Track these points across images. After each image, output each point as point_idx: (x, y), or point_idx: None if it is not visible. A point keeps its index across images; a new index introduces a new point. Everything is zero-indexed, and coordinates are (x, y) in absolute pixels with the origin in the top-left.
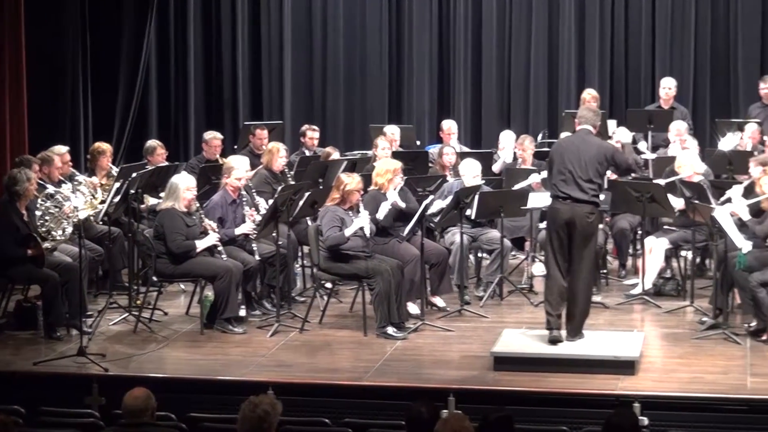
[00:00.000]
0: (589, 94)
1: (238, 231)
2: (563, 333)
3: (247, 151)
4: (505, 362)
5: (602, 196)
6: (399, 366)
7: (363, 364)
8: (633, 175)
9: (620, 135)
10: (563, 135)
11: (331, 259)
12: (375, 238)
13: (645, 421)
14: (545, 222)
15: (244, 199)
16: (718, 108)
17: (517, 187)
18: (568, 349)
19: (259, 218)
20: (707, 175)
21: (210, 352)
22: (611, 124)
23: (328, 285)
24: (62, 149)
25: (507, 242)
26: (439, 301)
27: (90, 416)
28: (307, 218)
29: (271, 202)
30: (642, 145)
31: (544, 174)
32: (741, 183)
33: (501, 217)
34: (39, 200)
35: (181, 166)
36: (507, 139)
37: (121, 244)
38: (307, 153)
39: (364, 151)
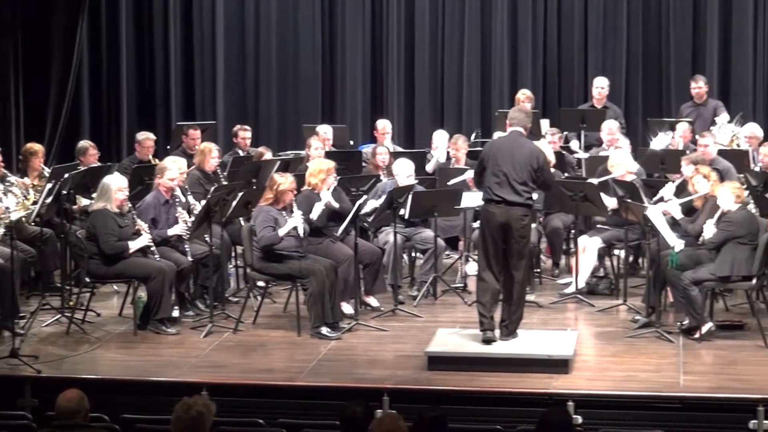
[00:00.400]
0: (524, 95)
1: (170, 232)
2: (497, 333)
3: (180, 152)
4: (439, 362)
5: (535, 195)
6: (333, 366)
7: (297, 365)
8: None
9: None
10: (496, 135)
11: (264, 259)
12: (308, 238)
13: (579, 419)
14: (479, 222)
15: (177, 199)
16: (650, 107)
17: (452, 182)
18: (501, 348)
19: (189, 219)
20: (640, 174)
21: (143, 353)
22: (544, 123)
23: (262, 285)
24: None
25: (441, 242)
26: (372, 300)
27: (23, 418)
28: (241, 218)
29: (203, 202)
30: (574, 145)
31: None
32: (673, 182)
33: (434, 217)
34: None
35: (114, 167)
36: (440, 138)
37: (53, 245)
38: (241, 153)
39: (297, 151)
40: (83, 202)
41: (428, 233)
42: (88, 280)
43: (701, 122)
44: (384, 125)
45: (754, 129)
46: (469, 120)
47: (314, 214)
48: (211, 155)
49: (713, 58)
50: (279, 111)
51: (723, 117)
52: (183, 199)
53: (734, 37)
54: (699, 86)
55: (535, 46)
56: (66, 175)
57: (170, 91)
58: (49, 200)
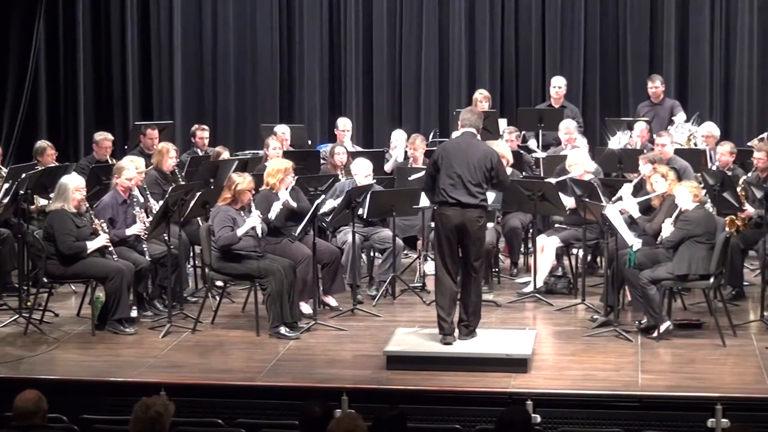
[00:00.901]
0: (481, 94)
1: (128, 232)
2: (456, 334)
3: (138, 151)
4: (398, 361)
5: (493, 195)
6: (292, 366)
7: (256, 364)
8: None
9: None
10: (455, 134)
11: (222, 259)
12: (267, 237)
13: (537, 418)
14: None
15: (135, 199)
16: (607, 107)
17: (413, 177)
18: (460, 347)
19: (147, 219)
20: (597, 173)
21: (102, 354)
22: (502, 123)
23: (220, 285)
24: None
25: (399, 241)
26: (331, 300)
27: None
28: (199, 218)
29: (161, 202)
30: (532, 144)
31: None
32: (631, 181)
33: (393, 216)
34: None
35: (71, 167)
36: (398, 138)
37: (10, 245)
38: (199, 153)
39: (255, 151)
40: (41, 202)
41: (387, 233)
42: (45, 280)
43: (658, 121)
44: (344, 123)
45: (711, 128)
46: (427, 119)
47: (272, 214)
48: (169, 155)
49: (670, 57)
50: (237, 110)
51: (680, 116)
52: (141, 199)
53: (691, 37)
54: (656, 86)
55: (492, 46)
56: (23, 175)
57: (127, 90)
58: (6, 200)
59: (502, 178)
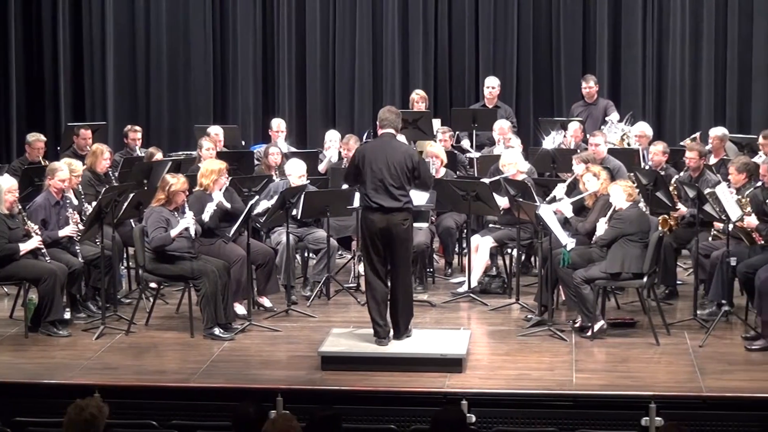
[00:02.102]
0: (417, 95)
1: (61, 233)
2: (391, 335)
3: (71, 152)
4: (333, 362)
5: (426, 195)
6: (226, 367)
7: (190, 366)
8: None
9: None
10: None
11: (156, 260)
12: (201, 239)
13: (472, 418)
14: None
15: (68, 201)
16: (541, 107)
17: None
18: (395, 347)
19: (80, 221)
20: (531, 173)
21: (35, 356)
22: (435, 123)
23: (154, 286)
24: None
25: (333, 241)
26: (266, 301)
27: None
28: (132, 219)
29: (94, 203)
30: (466, 144)
31: None
32: (564, 181)
33: (327, 217)
34: None
35: (4, 169)
36: (332, 138)
37: None
38: (132, 154)
39: (188, 152)
40: None
41: (321, 233)
42: None
43: (592, 121)
44: (278, 123)
45: (644, 128)
46: (360, 120)
47: (206, 215)
48: (103, 156)
49: (603, 58)
50: (170, 111)
51: (614, 116)
52: (74, 201)
53: (624, 38)
54: (590, 86)
55: (426, 46)
56: None
57: (59, 91)
58: None
59: (425, 177)
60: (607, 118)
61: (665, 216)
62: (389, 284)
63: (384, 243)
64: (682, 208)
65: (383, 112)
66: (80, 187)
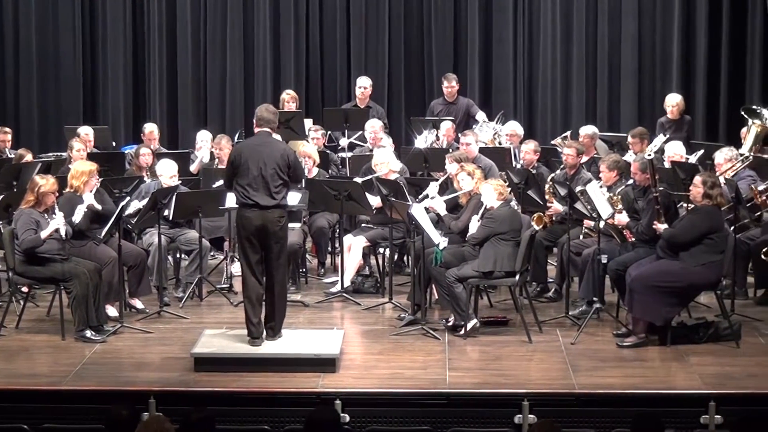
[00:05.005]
0: (288, 95)
1: None
2: (264, 335)
3: None
4: (206, 363)
5: (299, 195)
6: (98, 369)
7: (62, 369)
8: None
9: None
10: None
11: (27, 262)
12: (71, 240)
13: (346, 417)
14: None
15: None
16: (412, 106)
17: (217, 185)
18: (268, 348)
19: None
20: (403, 172)
21: None
22: (307, 122)
23: (25, 289)
24: None
25: (205, 242)
26: (137, 303)
27: None
28: (1, 222)
29: None
30: (344, 142)
31: None
32: (437, 180)
33: (199, 218)
34: None
35: None
36: (203, 139)
37: None
38: (1, 156)
39: (58, 153)
40: None
41: (193, 234)
42: None
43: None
44: (152, 130)
45: (515, 127)
46: (232, 120)
47: (77, 217)
48: None
49: (474, 57)
50: (40, 112)
51: (480, 115)
52: None
53: (495, 37)
54: (451, 85)
55: (297, 46)
56: None
57: None
58: None
59: (298, 172)
60: (477, 117)
61: (540, 214)
62: (266, 284)
63: (260, 241)
64: (558, 206)
65: (261, 110)
66: None
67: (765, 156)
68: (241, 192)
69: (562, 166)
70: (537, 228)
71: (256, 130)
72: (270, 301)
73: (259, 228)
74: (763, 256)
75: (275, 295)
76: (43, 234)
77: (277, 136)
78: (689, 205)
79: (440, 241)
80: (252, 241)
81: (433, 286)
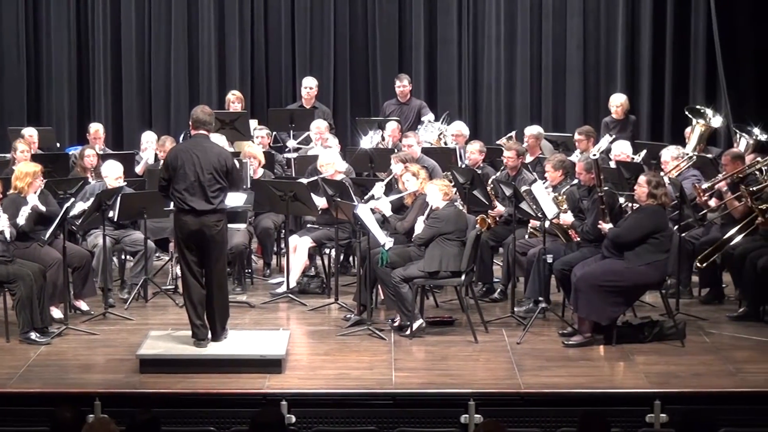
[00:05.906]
0: (234, 95)
1: None
2: (209, 338)
3: None
4: (151, 364)
5: (244, 195)
6: (43, 371)
7: (6, 371)
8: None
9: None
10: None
11: None
12: (16, 242)
13: (292, 418)
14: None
15: None
16: (358, 107)
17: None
18: (214, 349)
19: None
20: (349, 173)
21: None
22: (252, 123)
23: None
24: None
25: (151, 243)
26: (82, 304)
27: None
28: None
29: None
30: (291, 143)
31: None
32: (383, 180)
33: (144, 219)
34: None
35: None
36: (148, 140)
37: None
38: None
39: (2, 154)
40: None
41: (138, 235)
42: None
43: (404, 121)
44: (97, 129)
45: (460, 127)
46: (177, 121)
47: (21, 219)
48: None
49: (420, 57)
50: None
51: (429, 116)
52: None
53: (439, 38)
54: (403, 85)
55: (242, 46)
56: None
57: None
58: None
59: (237, 180)
60: (423, 118)
61: (483, 216)
62: (207, 286)
63: (197, 244)
64: (500, 207)
65: (196, 112)
66: None
67: (709, 156)
68: (178, 197)
69: (503, 168)
70: (481, 230)
71: (192, 132)
72: (212, 304)
73: (196, 232)
74: (698, 263)
75: (216, 297)
76: None
77: (221, 137)
78: (634, 204)
79: (386, 241)
80: (190, 245)
81: (379, 286)
